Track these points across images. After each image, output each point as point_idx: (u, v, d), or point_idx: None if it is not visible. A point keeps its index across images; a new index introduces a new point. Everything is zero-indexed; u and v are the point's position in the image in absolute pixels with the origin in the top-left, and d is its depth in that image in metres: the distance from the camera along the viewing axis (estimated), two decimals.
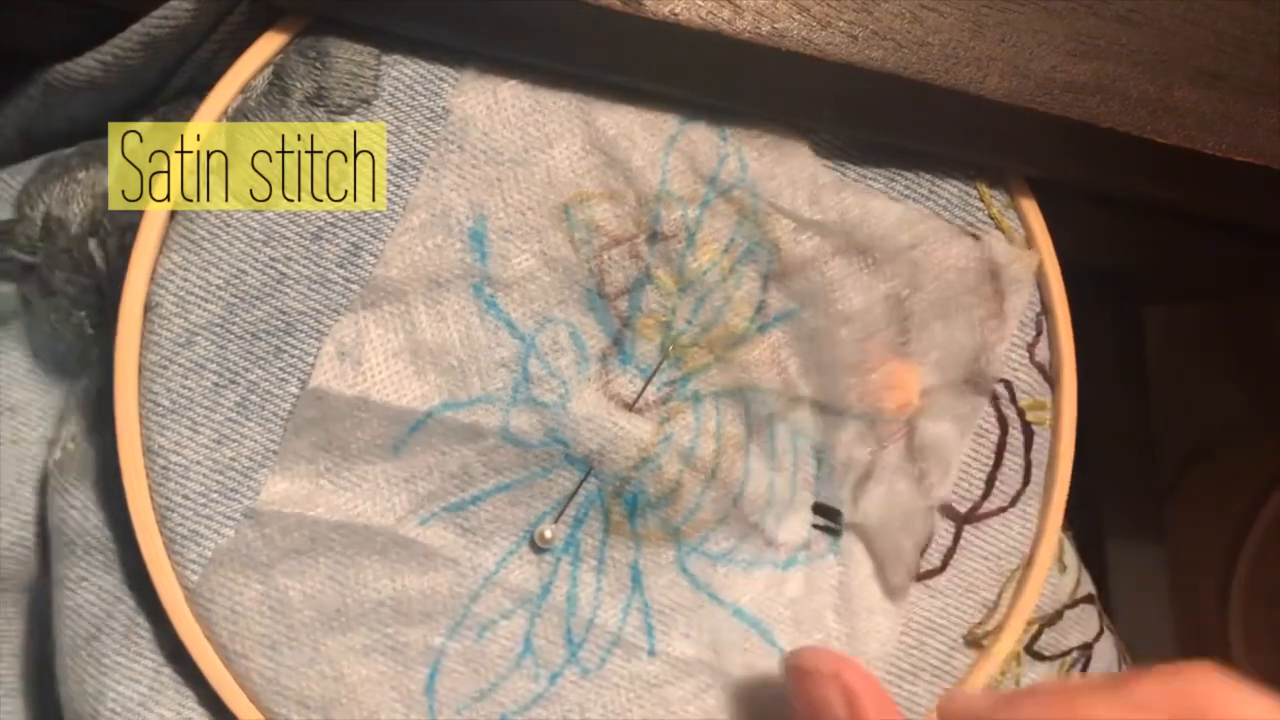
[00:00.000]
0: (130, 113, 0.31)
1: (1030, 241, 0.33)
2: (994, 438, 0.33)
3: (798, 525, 0.32)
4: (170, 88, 0.31)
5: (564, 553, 0.30)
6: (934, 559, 0.33)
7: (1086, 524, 0.39)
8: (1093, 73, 0.30)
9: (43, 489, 0.30)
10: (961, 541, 0.33)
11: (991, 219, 0.33)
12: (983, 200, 0.33)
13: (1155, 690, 0.24)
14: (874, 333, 0.32)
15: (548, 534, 0.30)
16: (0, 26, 0.30)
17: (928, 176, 0.32)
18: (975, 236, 0.32)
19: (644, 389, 0.30)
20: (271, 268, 0.28)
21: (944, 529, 0.33)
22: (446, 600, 0.29)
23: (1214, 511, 0.59)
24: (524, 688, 0.30)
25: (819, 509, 0.32)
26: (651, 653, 0.31)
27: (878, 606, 0.33)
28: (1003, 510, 0.33)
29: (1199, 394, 0.58)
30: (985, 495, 0.33)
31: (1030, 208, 0.33)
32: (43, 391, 0.31)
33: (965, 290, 0.32)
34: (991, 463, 0.33)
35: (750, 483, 0.31)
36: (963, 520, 0.33)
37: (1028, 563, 0.33)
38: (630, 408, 0.30)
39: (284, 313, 0.28)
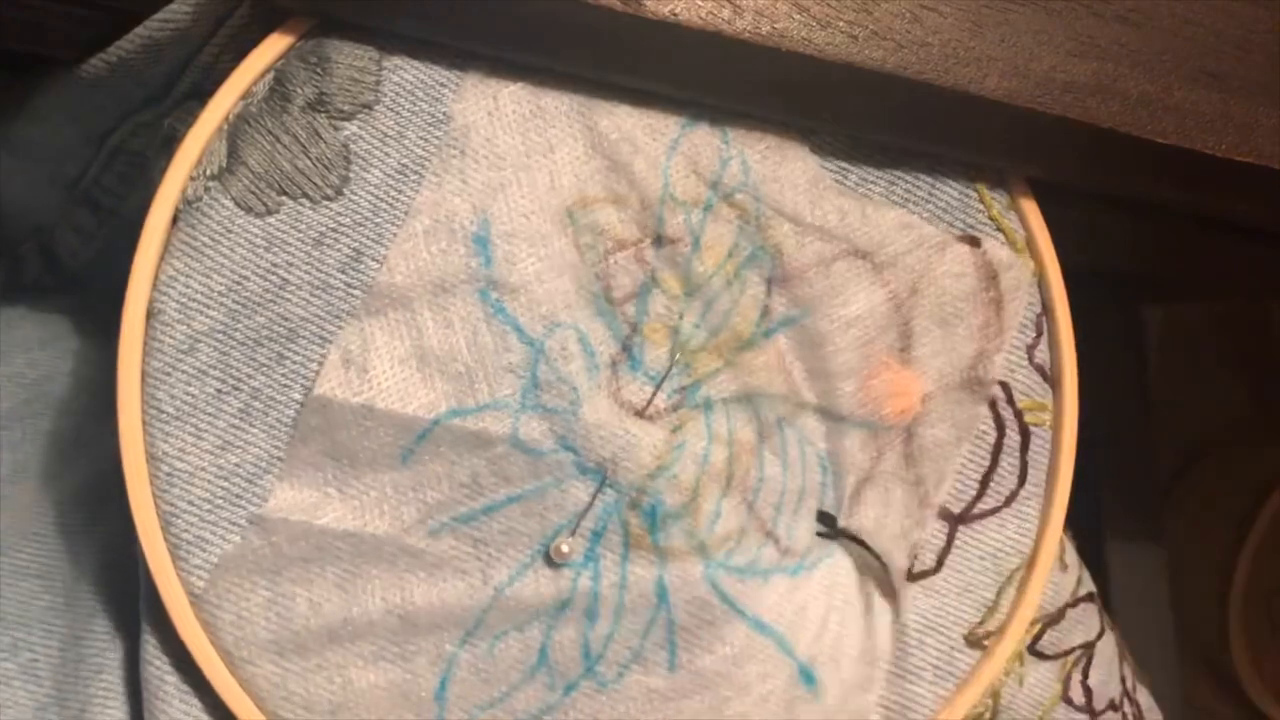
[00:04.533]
0: (140, 110, 0.31)
1: (1031, 243, 0.33)
2: (990, 440, 0.33)
3: (803, 532, 0.32)
4: (176, 92, 0.31)
5: (583, 567, 0.29)
6: (928, 559, 0.33)
7: (1086, 524, 0.39)
8: (1093, 73, 0.30)
9: None
10: (956, 542, 0.33)
11: (992, 220, 0.33)
12: (983, 202, 0.33)
13: None
14: (875, 338, 0.31)
15: (565, 548, 0.29)
16: (0, 27, 0.30)
17: (927, 179, 0.32)
18: (974, 240, 0.32)
19: (654, 395, 0.30)
20: (273, 274, 0.28)
21: (938, 529, 0.33)
22: (457, 612, 0.29)
23: (1214, 511, 0.59)
24: (537, 698, 0.29)
25: (820, 516, 0.32)
26: (672, 668, 0.30)
27: (875, 606, 0.33)
28: (997, 510, 0.33)
29: (1199, 394, 0.58)
30: (979, 496, 0.33)
31: (1031, 209, 0.33)
32: None
33: (963, 296, 0.32)
34: (987, 465, 0.33)
35: (765, 487, 0.31)
36: (956, 521, 0.33)
37: (1029, 562, 0.33)
38: (641, 414, 0.30)
39: (286, 319, 0.28)
